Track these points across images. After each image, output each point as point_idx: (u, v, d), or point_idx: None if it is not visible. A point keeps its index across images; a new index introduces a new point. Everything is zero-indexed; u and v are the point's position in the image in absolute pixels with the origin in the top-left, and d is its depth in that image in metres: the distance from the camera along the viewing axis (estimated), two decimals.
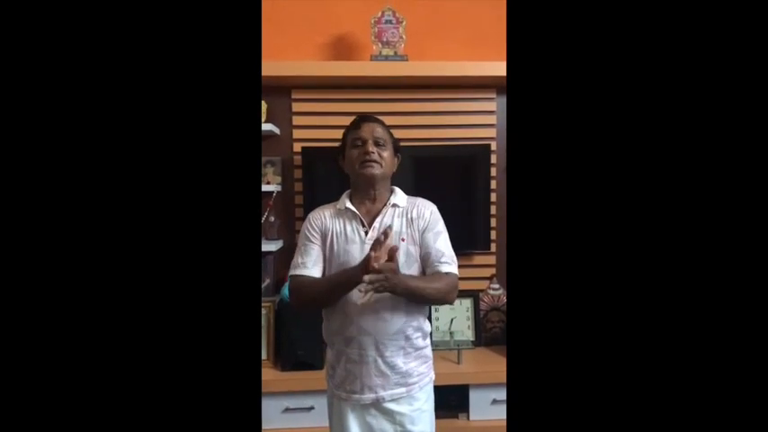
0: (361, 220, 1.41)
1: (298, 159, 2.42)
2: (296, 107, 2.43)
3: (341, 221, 1.42)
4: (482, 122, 2.47)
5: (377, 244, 1.23)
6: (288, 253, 1.56)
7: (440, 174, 2.41)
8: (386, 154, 1.41)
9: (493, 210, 2.46)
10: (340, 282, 1.32)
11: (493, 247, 2.49)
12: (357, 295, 1.30)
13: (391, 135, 1.46)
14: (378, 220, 1.40)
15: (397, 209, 1.42)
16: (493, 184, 2.46)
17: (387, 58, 2.29)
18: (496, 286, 2.47)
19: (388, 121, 2.34)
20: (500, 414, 2.14)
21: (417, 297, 1.34)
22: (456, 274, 1.38)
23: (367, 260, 1.22)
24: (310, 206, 1.83)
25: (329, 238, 1.41)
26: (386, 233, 1.24)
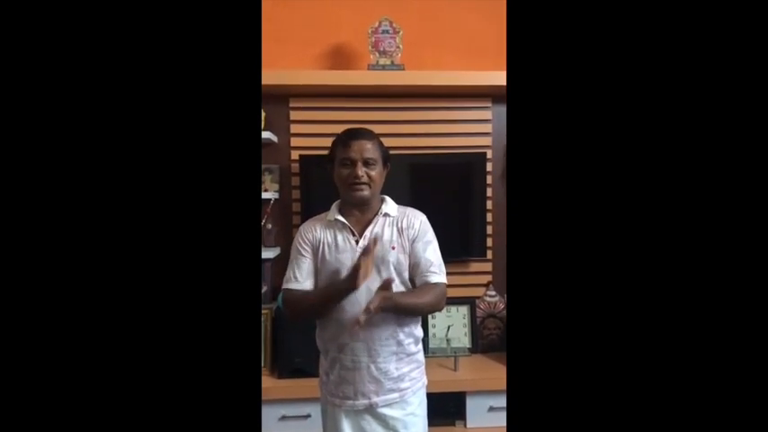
0: (351, 230, 1.43)
1: (295, 167, 2.43)
2: (294, 115, 2.44)
3: (331, 232, 1.44)
4: (478, 131, 2.49)
5: (366, 253, 1.27)
6: (285, 260, 1.56)
7: (436, 181, 2.43)
8: (375, 173, 1.41)
9: (489, 217, 2.48)
10: (330, 294, 1.36)
11: (489, 254, 2.50)
12: (351, 306, 1.36)
13: (381, 148, 1.45)
14: (369, 229, 1.43)
15: (387, 218, 1.45)
16: (489, 192, 2.48)
17: (384, 67, 2.31)
18: (493, 293, 2.48)
19: (385, 129, 2.36)
20: (497, 421, 2.14)
21: (411, 313, 1.42)
22: (444, 283, 1.44)
23: (355, 269, 1.25)
24: (308, 214, 1.84)
25: (320, 250, 1.43)
26: (375, 240, 1.30)
